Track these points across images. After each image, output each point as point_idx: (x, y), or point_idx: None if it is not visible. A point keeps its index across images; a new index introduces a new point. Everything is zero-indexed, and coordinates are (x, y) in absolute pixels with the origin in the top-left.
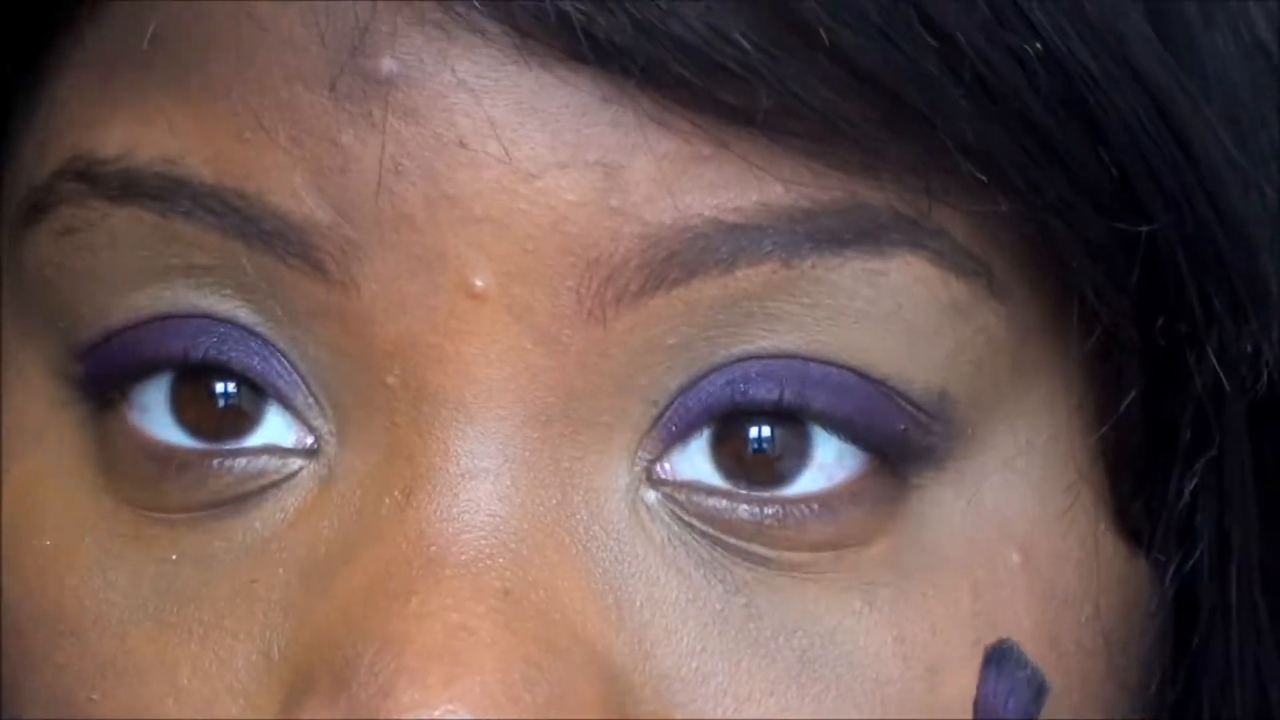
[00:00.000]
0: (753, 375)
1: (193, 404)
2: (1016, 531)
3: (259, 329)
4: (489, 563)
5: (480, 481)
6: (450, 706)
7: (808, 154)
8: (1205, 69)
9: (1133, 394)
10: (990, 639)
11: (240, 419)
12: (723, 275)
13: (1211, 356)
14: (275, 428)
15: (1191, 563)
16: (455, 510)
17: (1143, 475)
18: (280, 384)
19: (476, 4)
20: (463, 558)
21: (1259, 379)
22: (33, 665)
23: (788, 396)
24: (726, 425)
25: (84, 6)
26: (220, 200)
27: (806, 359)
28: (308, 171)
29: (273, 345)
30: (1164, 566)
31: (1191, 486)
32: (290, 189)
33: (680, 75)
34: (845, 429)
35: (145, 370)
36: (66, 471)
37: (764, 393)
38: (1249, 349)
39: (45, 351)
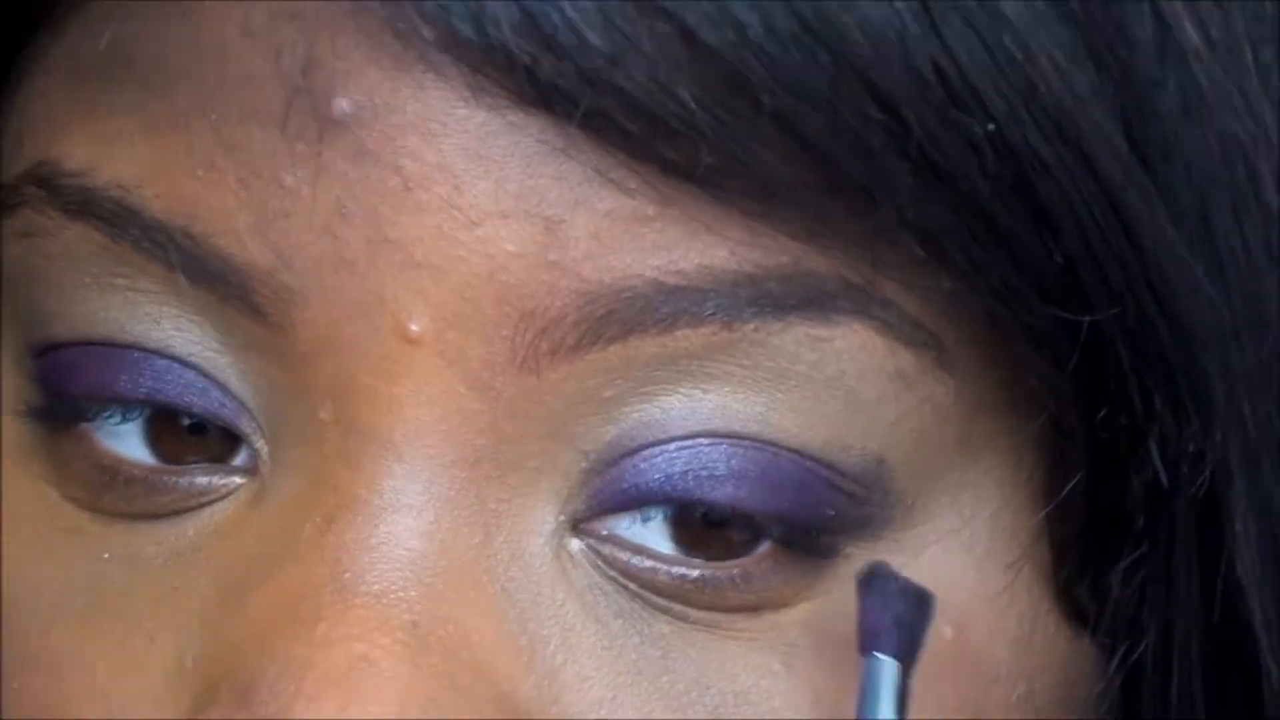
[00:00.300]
0: (688, 473)
1: (166, 431)
2: (952, 605)
3: (194, 360)
4: (400, 595)
5: (402, 516)
6: None
7: (751, 216)
8: (1174, 161)
9: (1075, 480)
10: (913, 712)
11: (205, 443)
12: (662, 335)
13: (1153, 452)
14: (222, 447)
15: (1138, 653)
16: (373, 541)
17: (1088, 558)
18: (223, 413)
19: (431, 39)
20: (374, 588)
21: (1200, 479)
22: None
23: (720, 499)
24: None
25: (61, 7)
26: (167, 235)
27: (738, 439)
28: (253, 215)
29: (210, 375)
30: (1110, 652)
31: (1139, 574)
32: (235, 232)
33: (623, 127)
34: (775, 521)
35: (97, 400)
36: (17, 461)
37: (706, 493)
38: (1190, 449)
39: (11, 339)
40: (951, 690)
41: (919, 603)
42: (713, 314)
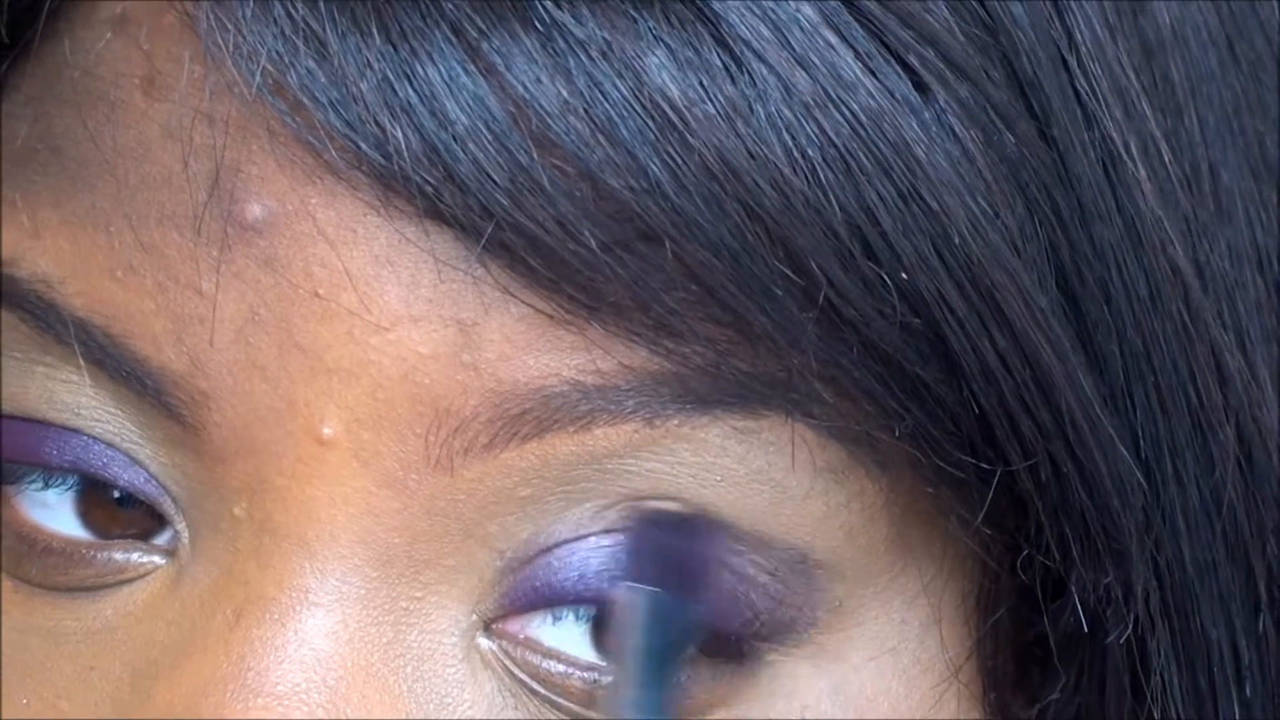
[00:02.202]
0: (605, 575)
1: (96, 504)
2: (879, 714)
3: (119, 445)
4: (302, 697)
5: (310, 614)
6: None
7: (656, 337)
8: (1113, 299)
9: (999, 614)
10: None
11: (134, 518)
12: (579, 433)
13: (1073, 597)
14: (150, 527)
15: None
16: (279, 640)
17: (1020, 685)
18: (147, 489)
19: (342, 154)
20: (278, 689)
21: (1122, 625)
22: None
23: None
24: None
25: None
26: (87, 333)
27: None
28: (169, 320)
29: (132, 458)
30: None
31: (1071, 709)
32: (152, 336)
33: (525, 261)
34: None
35: (21, 464)
36: None
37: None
38: (1113, 595)
39: None
40: None
41: (687, 528)
42: (633, 411)
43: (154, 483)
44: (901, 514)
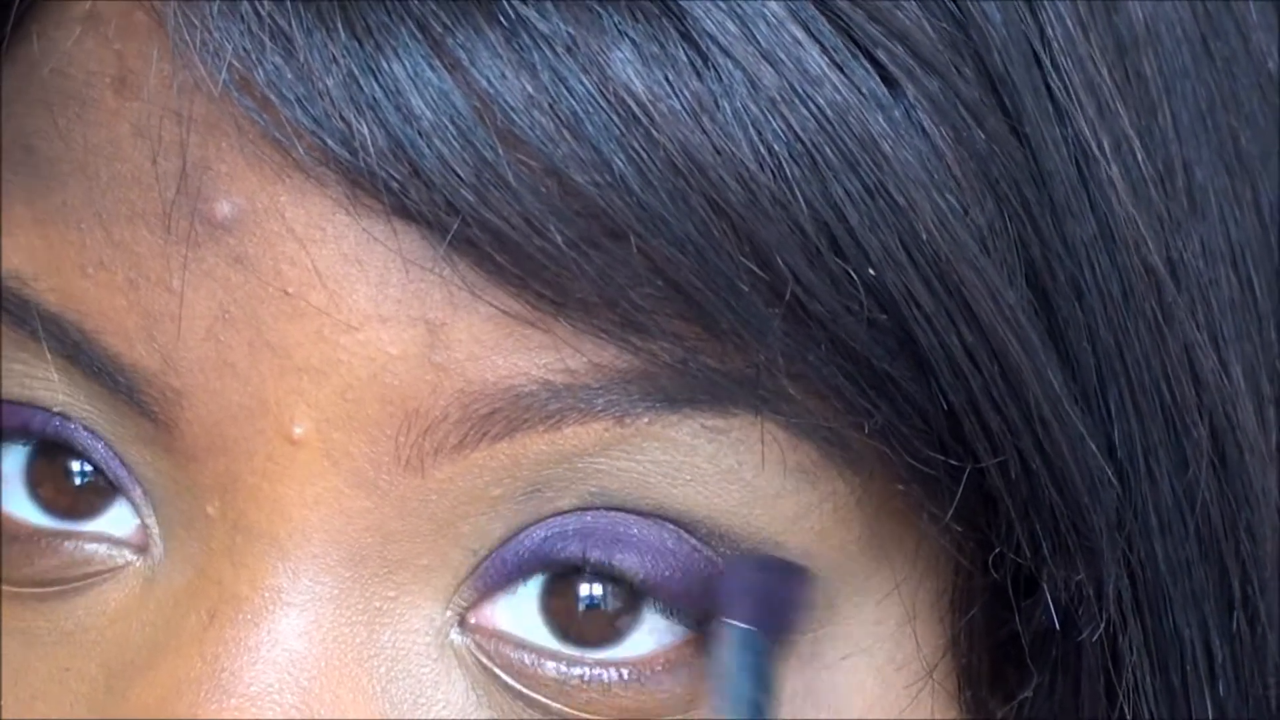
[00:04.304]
0: (570, 532)
1: (49, 479)
2: (854, 712)
3: (93, 439)
4: (275, 698)
5: (284, 614)
6: None
7: (626, 333)
8: (1085, 296)
9: (973, 612)
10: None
11: (94, 499)
12: (549, 432)
13: (1045, 594)
14: (116, 517)
15: None
16: (252, 641)
17: (995, 682)
18: (121, 475)
19: (306, 153)
20: (251, 689)
21: (1094, 622)
22: None
23: (595, 555)
24: (558, 580)
25: None
26: (60, 330)
27: (631, 512)
28: (140, 316)
29: (106, 459)
30: None
31: (1048, 704)
32: (123, 333)
33: (492, 257)
34: (662, 594)
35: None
36: None
37: (575, 551)
38: (1084, 592)
39: None
40: None
41: (783, 573)
42: (603, 410)
43: (127, 473)
44: (874, 513)
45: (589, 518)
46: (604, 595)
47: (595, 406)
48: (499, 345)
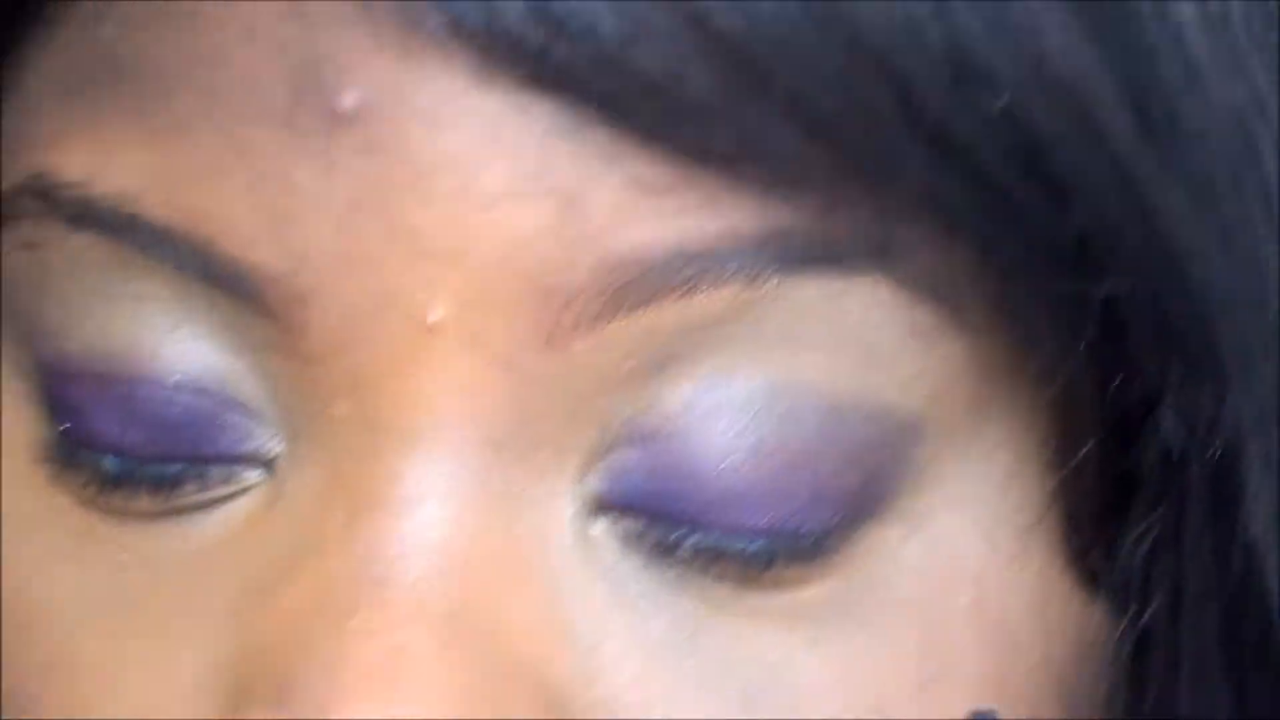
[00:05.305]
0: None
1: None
2: (969, 572)
3: (210, 372)
4: (433, 585)
5: (427, 506)
6: None
7: (767, 186)
8: (1179, 132)
9: (1088, 446)
10: (937, 680)
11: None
12: (682, 299)
13: (1168, 418)
14: (234, 438)
15: (1149, 613)
16: (401, 533)
17: (1101, 522)
18: (239, 445)
19: (438, 28)
20: (406, 579)
21: (1213, 444)
22: None
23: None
24: None
25: (48, 18)
26: (173, 242)
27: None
28: (263, 217)
29: (223, 393)
30: (1121, 613)
31: (1150, 537)
32: (245, 235)
33: (636, 110)
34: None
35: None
36: (26, 466)
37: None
38: (1206, 414)
39: (10, 349)
40: (975, 658)
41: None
42: (734, 274)
43: (244, 416)
44: (982, 374)
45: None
46: None
47: (727, 271)
48: (633, 213)
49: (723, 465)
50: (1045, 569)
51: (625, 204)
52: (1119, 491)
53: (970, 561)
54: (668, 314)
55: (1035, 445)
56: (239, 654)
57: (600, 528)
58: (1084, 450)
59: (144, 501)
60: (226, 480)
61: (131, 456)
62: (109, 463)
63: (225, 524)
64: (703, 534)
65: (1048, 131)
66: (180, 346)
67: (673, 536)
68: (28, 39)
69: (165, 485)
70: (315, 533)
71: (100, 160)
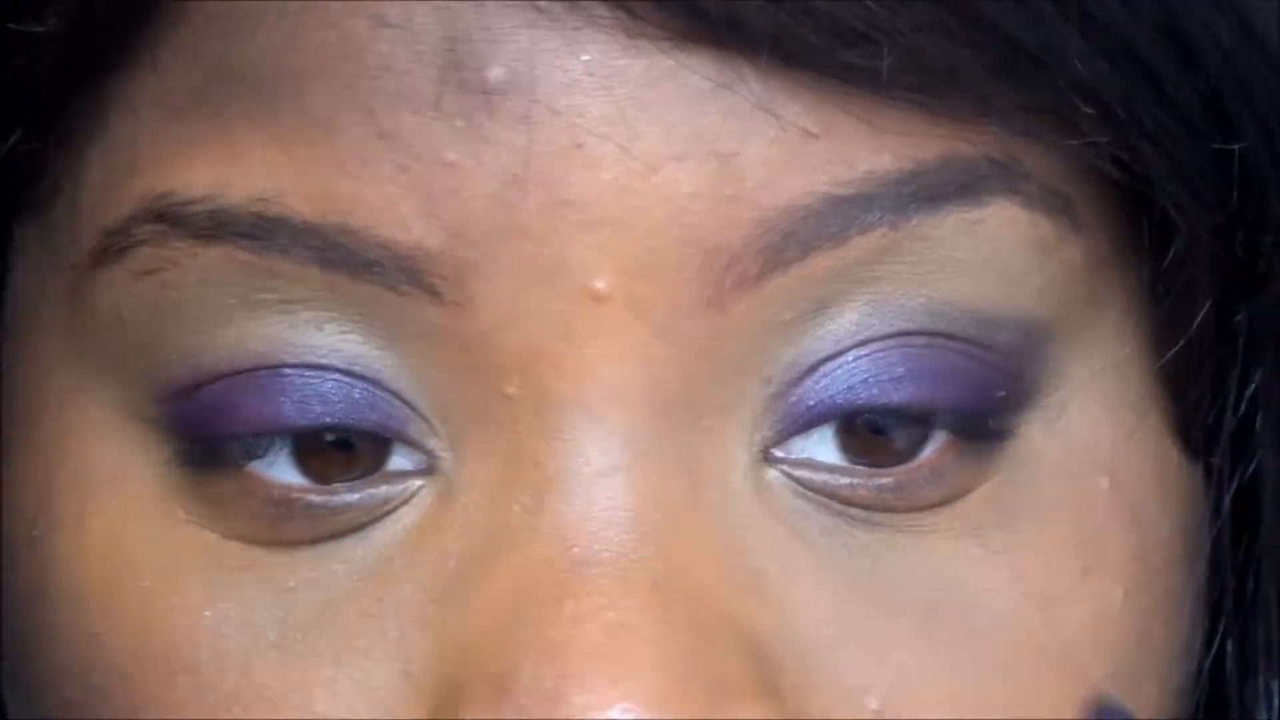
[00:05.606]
0: (872, 384)
1: (314, 455)
2: (1100, 457)
3: (358, 368)
4: (634, 557)
5: (612, 478)
6: (625, 705)
7: (920, 109)
8: None
9: (1208, 305)
10: (1093, 565)
11: (364, 459)
12: (836, 248)
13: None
14: (395, 459)
15: (1251, 469)
16: (593, 509)
17: (1205, 387)
18: (391, 424)
19: None
20: (607, 555)
21: None
22: (144, 705)
23: (901, 400)
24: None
25: (141, 45)
26: (321, 236)
27: (909, 337)
28: (416, 198)
29: (376, 381)
30: (1225, 475)
31: (1250, 393)
32: (398, 218)
33: (808, 42)
34: (949, 413)
35: (259, 435)
36: (154, 512)
37: (890, 396)
38: None
39: (118, 393)
40: (1118, 539)
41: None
42: (880, 217)
43: (401, 406)
44: (1094, 270)
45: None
46: (894, 427)
47: (873, 214)
48: (786, 166)
49: (888, 396)
50: (1160, 443)
51: (776, 158)
52: (1222, 357)
53: (1102, 446)
54: (823, 263)
55: (1140, 326)
56: (436, 658)
57: (774, 475)
58: (1201, 313)
59: (311, 528)
60: (394, 495)
61: (287, 484)
62: (266, 488)
63: (395, 535)
64: (876, 478)
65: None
66: (330, 340)
67: (846, 480)
68: (115, 72)
69: (330, 506)
70: (499, 523)
71: (229, 169)
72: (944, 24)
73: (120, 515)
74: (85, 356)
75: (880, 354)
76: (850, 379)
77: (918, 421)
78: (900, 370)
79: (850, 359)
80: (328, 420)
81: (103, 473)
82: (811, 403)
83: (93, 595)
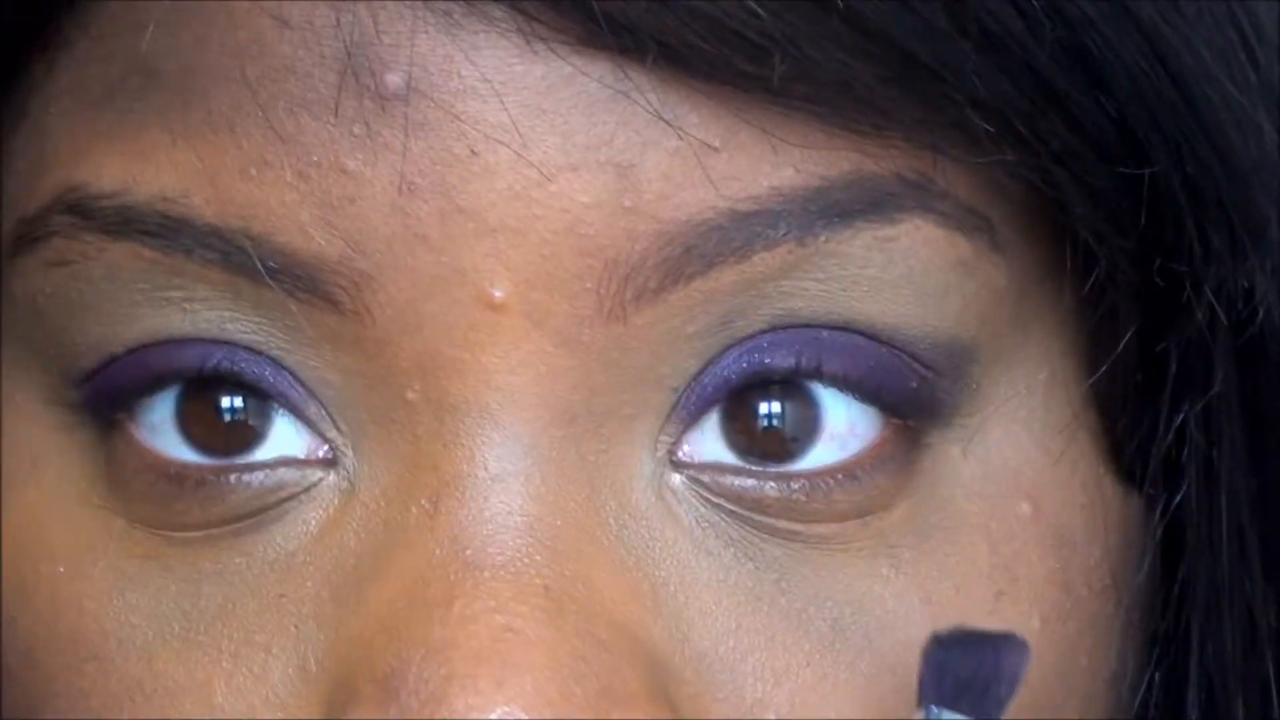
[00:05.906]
0: (765, 345)
1: (199, 420)
2: (1024, 481)
3: (264, 350)
4: (527, 562)
5: (509, 484)
6: (506, 709)
7: (814, 125)
8: (1202, 10)
9: (1130, 332)
10: (1009, 590)
11: (248, 432)
12: (739, 262)
13: (1208, 293)
14: (285, 439)
15: (1179, 497)
16: (488, 514)
17: (1135, 414)
18: (292, 395)
19: None
20: (500, 559)
21: (1254, 315)
22: (54, 692)
23: (803, 363)
24: (735, 402)
25: (61, 34)
26: (223, 239)
27: (819, 326)
28: (315, 206)
29: (280, 365)
30: (1154, 502)
31: (1178, 422)
32: (297, 225)
33: (697, 47)
34: (858, 390)
35: (151, 386)
36: (71, 497)
37: (778, 360)
38: (1245, 285)
39: (38, 379)
40: (1038, 564)
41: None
42: (785, 234)
43: (302, 389)
44: (1019, 291)
45: (779, 334)
46: (782, 413)
47: (778, 230)
48: (686, 180)
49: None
50: (1090, 468)
51: (676, 170)
52: (1151, 382)
53: (1024, 470)
54: (726, 277)
55: (1068, 348)
56: (332, 655)
57: (678, 482)
58: (1124, 339)
59: (206, 510)
60: (290, 480)
61: (177, 459)
62: (156, 462)
63: (296, 529)
64: (776, 479)
65: (1084, 17)
66: (234, 339)
67: (753, 482)
68: (43, 61)
69: (225, 490)
70: (397, 523)
71: (137, 166)
72: (835, 33)
73: (39, 499)
74: (13, 342)
75: (781, 333)
76: (744, 348)
77: (805, 402)
78: (799, 341)
79: (757, 340)
80: (225, 366)
81: (27, 456)
82: (707, 381)
83: (9, 578)
